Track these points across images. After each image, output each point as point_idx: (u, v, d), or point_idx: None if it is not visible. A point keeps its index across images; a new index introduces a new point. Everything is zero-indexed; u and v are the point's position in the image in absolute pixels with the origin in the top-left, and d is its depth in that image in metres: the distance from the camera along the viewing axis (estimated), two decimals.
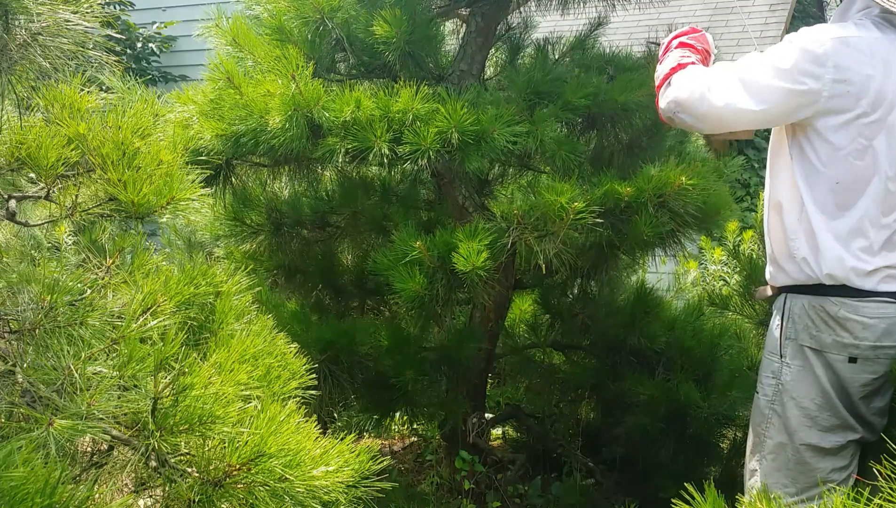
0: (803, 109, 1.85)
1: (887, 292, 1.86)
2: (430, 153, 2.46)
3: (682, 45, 2.14)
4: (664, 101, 2.06)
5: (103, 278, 1.59)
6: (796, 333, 1.94)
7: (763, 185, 2.24)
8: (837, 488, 1.66)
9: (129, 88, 2.81)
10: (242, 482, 1.43)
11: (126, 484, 1.65)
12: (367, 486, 1.60)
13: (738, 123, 1.96)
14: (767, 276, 2.10)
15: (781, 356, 1.97)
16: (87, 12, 1.62)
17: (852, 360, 1.88)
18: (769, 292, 2.10)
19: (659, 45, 2.33)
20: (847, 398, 1.91)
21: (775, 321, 2.00)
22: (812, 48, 1.82)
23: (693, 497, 1.36)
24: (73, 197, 1.66)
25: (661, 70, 2.13)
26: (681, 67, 2.06)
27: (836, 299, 1.87)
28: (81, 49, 1.64)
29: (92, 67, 1.71)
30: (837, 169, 1.85)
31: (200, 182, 1.74)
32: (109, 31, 1.73)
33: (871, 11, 1.89)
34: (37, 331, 1.42)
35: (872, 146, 1.83)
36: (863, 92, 1.80)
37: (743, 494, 2.13)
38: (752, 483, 2.06)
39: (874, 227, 1.86)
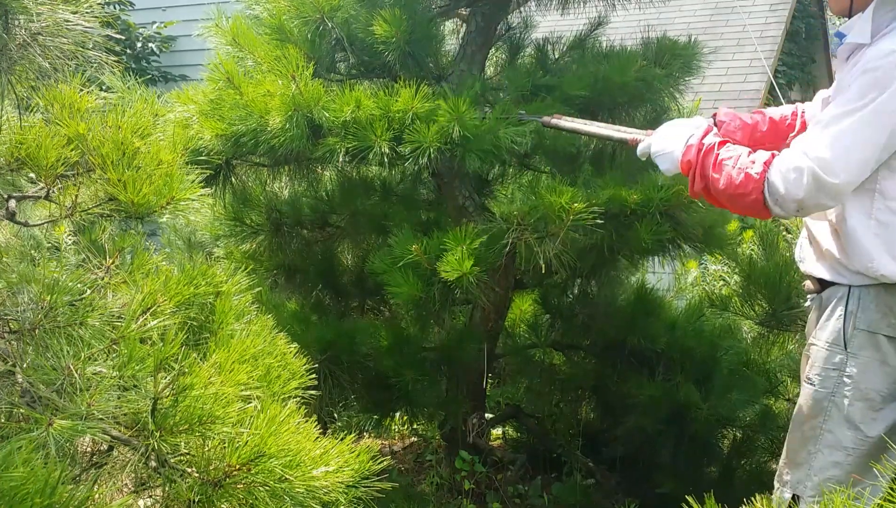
0: None
1: None
2: (431, 150, 2.45)
3: (721, 144, 1.97)
4: (778, 206, 1.87)
5: (103, 279, 1.59)
6: (869, 323, 1.90)
7: None
8: (838, 488, 1.65)
9: (129, 88, 2.81)
10: (242, 482, 1.43)
11: (126, 484, 1.65)
12: (366, 486, 1.60)
13: (868, 168, 1.83)
14: (823, 274, 2.01)
15: (846, 348, 1.93)
16: (86, 12, 1.62)
17: None
18: (816, 286, 2.05)
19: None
20: None
21: (836, 313, 1.95)
22: None
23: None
24: (73, 197, 1.66)
25: (726, 179, 1.91)
26: (764, 168, 1.87)
27: None
28: (81, 49, 1.64)
29: (92, 66, 1.71)
30: None
31: (200, 182, 1.74)
32: (109, 31, 1.73)
33: None
34: (37, 331, 1.42)
35: None
36: None
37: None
38: (798, 478, 1.99)
39: None
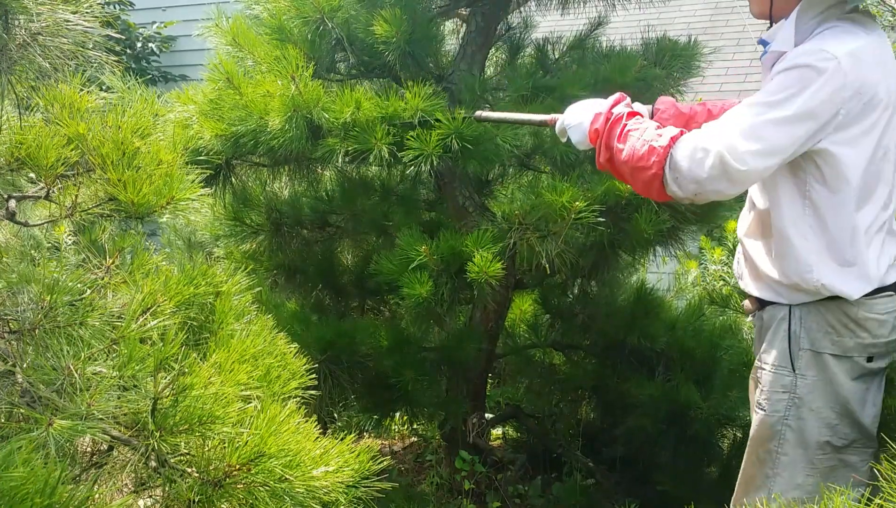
0: (824, 131, 1.77)
1: (893, 285, 1.85)
2: (433, 158, 2.46)
3: (630, 115, 1.91)
4: (676, 185, 1.81)
5: (103, 279, 1.59)
6: (812, 342, 1.87)
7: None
8: (838, 488, 1.64)
9: (128, 88, 2.81)
10: (242, 482, 1.42)
11: (126, 484, 1.65)
12: (367, 486, 1.60)
13: (768, 170, 1.80)
14: (761, 293, 1.97)
15: (794, 369, 1.89)
16: (86, 12, 1.62)
17: (870, 359, 1.85)
18: (755, 305, 2.01)
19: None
20: (862, 405, 1.88)
21: (779, 334, 1.92)
22: (829, 73, 1.72)
23: None
24: (73, 197, 1.65)
25: (629, 150, 1.84)
26: (670, 142, 1.81)
27: (854, 301, 1.82)
28: (81, 49, 1.64)
29: (92, 66, 1.71)
30: (854, 181, 1.79)
31: (200, 182, 1.74)
32: (109, 31, 1.73)
33: (833, 14, 1.81)
34: (37, 331, 1.42)
35: (886, 147, 1.81)
36: (875, 99, 1.76)
37: None
38: (758, 500, 1.93)
39: (883, 224, 1.85)
